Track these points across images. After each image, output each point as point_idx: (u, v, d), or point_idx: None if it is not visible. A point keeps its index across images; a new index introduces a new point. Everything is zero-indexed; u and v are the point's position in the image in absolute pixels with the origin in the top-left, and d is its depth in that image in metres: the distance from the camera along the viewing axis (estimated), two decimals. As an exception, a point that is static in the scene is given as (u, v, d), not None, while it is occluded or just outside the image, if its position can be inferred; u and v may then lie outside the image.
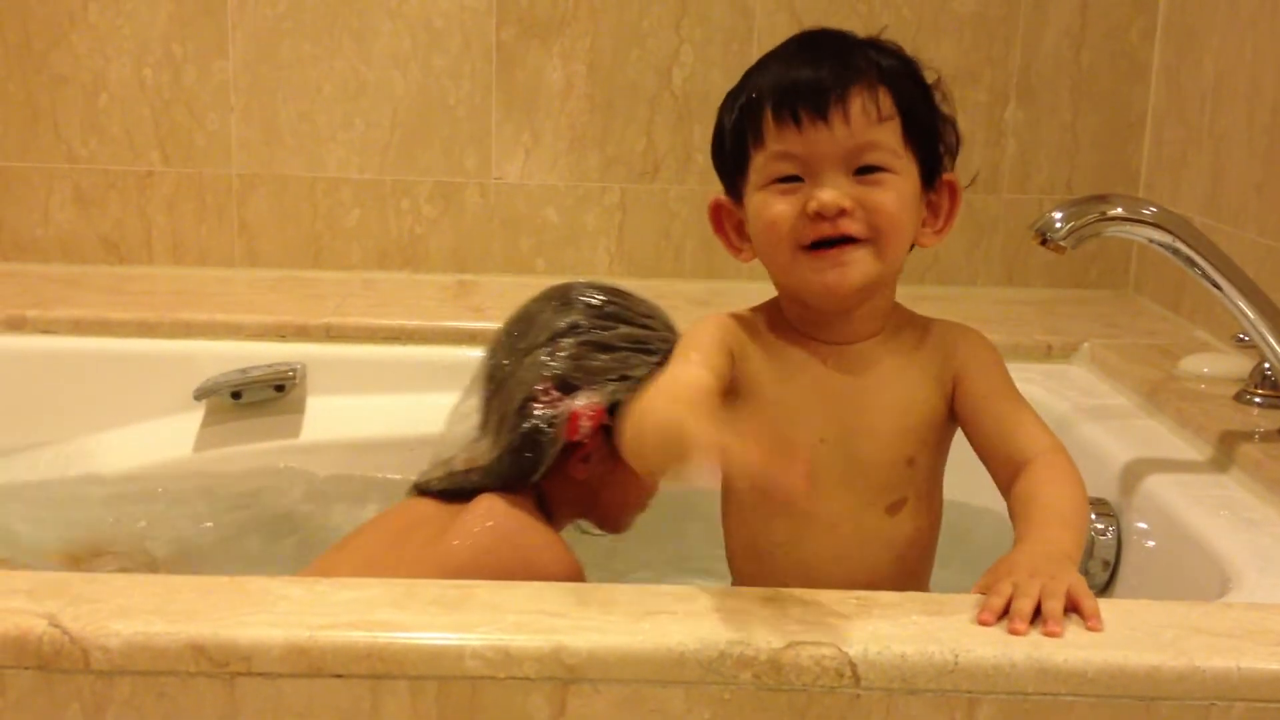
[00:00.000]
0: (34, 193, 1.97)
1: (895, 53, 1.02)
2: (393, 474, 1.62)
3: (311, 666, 0.80)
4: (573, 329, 1.20)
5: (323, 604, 0.84)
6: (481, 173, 1.98)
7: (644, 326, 1.24)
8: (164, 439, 1.63)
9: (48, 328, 1.69)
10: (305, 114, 1.96)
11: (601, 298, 1.24)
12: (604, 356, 1.20)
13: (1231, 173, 1.71)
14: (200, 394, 1.61)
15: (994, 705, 0.81)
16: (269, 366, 1.65)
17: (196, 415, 1.64)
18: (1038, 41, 1.95)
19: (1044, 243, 1.24)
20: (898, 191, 0.97)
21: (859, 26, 1.88)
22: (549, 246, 2.00)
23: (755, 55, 1.93)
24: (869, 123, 0.96)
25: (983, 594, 0.88)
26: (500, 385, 1.21)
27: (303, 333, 1.70)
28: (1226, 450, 1.29)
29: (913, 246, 1.03)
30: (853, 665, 0.80)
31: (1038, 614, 0.84)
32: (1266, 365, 1.38)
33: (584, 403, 1.18)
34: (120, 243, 1.98)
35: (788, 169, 0.97)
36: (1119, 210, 1.27)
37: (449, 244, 2.00)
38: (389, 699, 0.80)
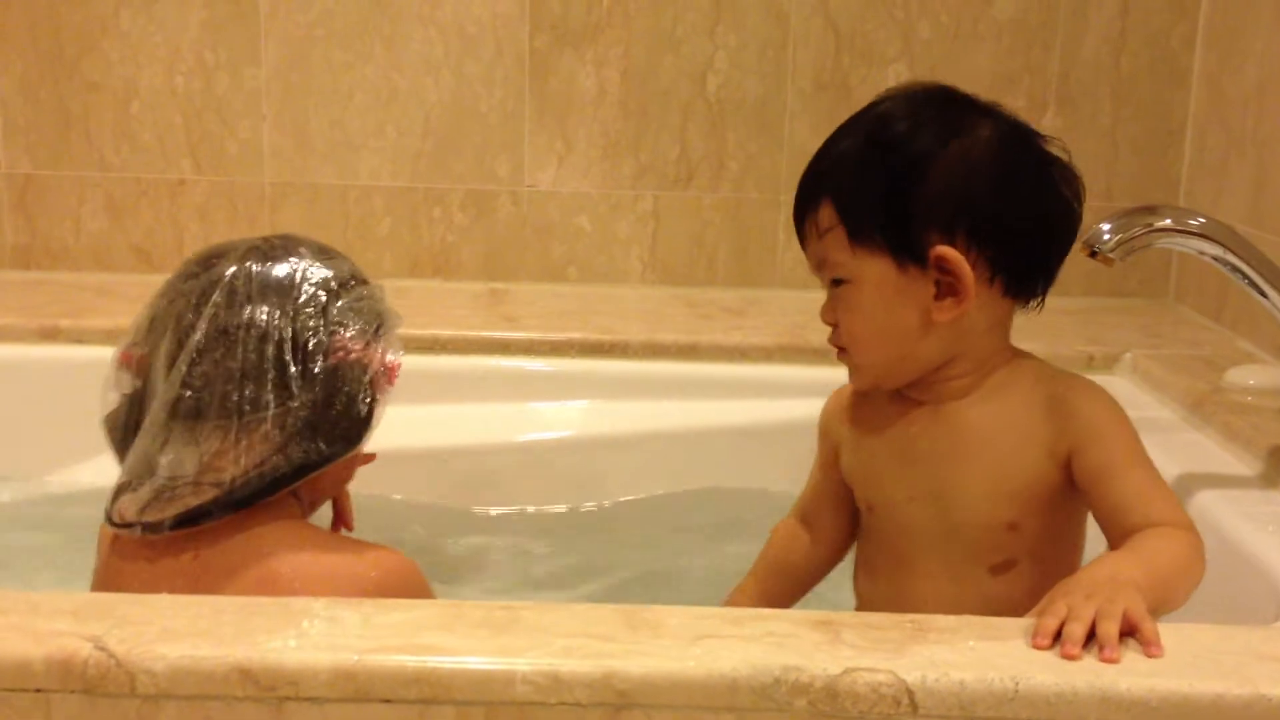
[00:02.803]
0: (66, 201, 1.97)
1: (874, 131, 1.00)
2: (423, 486, 1.62)
3: (359, 691, 0.78)
4: (351, 279, 1.06)
5: (369, 626, 0.83)
6: (514, 180, 1.97)
7: None
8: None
9: (80, 338, 1.68)
10: (337, 121, 1.95)
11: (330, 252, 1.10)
12: (378, 308, 1.08)
13: (1275, 180, 1.68)
14: (233, 404, 1.60)
15: (1055, 734, 0.79)
16: (302, 376, 1.63)
17: (229, 426, 1.63)
18: (1077, 47, 1.92)
19: (1093, 255, 1.22)
20: (851, 302, 1.01)
21: (895, 34, 1.90)
22: (581, 254, 1.99)
23: (790, 62, 1.95)
24: (816, 239, 1.02)
25: (1031, 613, 0.86)
26: (291, 346, 1.01)
27: (335, 342, 1.69)
28: (1277, 465, 1.27)
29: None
30: (910, 693, 0.79)
31: (1093, 638, 0.82)
32: (1316, 378, 1.36)
33: (394, 353, 1.06)
34: (152, 251, 1.98)
35: (815, 275, 1.05)
36: (1167, 221, 1.25)
37: (481, 252, 1.99)
38: (437, 725, 0.79)
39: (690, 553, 1.55)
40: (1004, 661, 0.80)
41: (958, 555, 1.02)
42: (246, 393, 0.99)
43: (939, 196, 0.97)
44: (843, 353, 1.04)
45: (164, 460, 0.99)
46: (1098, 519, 1.00)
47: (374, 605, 0.86)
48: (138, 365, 1.04)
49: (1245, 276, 1.27)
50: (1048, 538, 1.02)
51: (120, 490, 1.02)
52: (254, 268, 1.03)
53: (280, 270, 1.03)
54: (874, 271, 0.99)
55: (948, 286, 0.98)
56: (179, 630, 0.82)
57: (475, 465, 1.65)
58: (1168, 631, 0.84)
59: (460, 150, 1.96)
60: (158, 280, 2.03)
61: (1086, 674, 0.79)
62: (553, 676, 0.79)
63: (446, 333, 1.73)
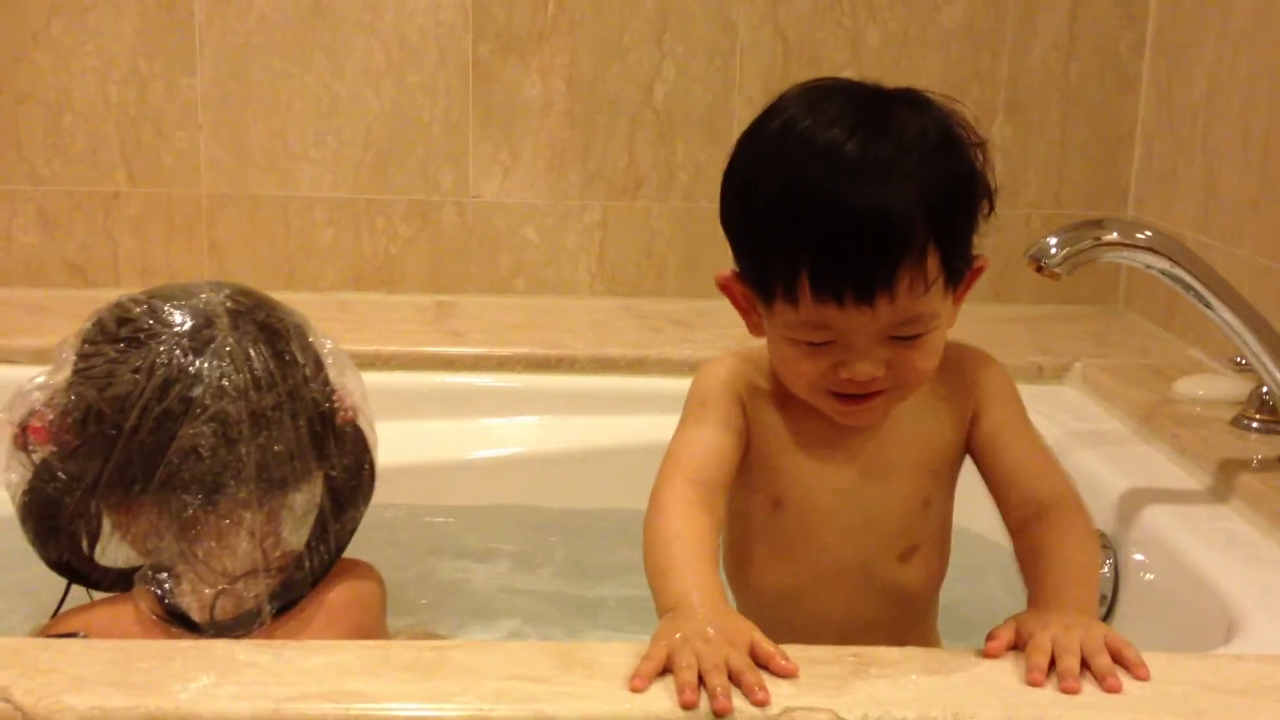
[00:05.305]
0: (-3, 215, 1.92)
1: (940, 152, 0.88)
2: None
3: (279, 742, 0.75)
4: (308, 322, 1.08)
5: (291, 671, 0.80)
6: (459, 191, 1.94)
7: None
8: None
9: (10, 357, 1.63)
10: (276, 131, 1.91)
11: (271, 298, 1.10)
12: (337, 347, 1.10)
13: (1225, 189, 1.67)
14: (169, 425, 1.56)
15: (999, 772, 0.77)
16: (240, 395, 1.59)
17: (165, 447, 1.59)
18: (1025, 55, 1.91)
19: (1039, 269, 1.20)
20: (932, 346, 0.92)
21: (844, 41, 1.88)
22: (528, 266, 1.96)
23: (738, 71, 1.93)
24: (915, 298, 0.87)
25: (995, 648, 0.84)
26: (319, 416, 1.03)
27: (275, 359, 1.65)
28: (1226, 480, 1.26)
29: None
30: (850, 732, 0.76)
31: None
32: (1265, 389, 1.35)
33: (353, 394, 1.07)
34: (86, 266, 1.93)
35: (821, 337, 0.90)
36: (1114, 235, 1.24)
37: (426, 264, 1.96)
38: (361, 774, 0.76)
39: (640, 569, 1.52)
40: (946, 697, 0.78)
41: (872, 545, 1.00)
42: (294, 471, 0.99)
43: (981, 213, 0.94)
44: (877, 395, 0.93)
45: (213, 553, 0.98)
46: (991, 480, 1.00)
47: (297, 648, 0.83)
48: (54, 436, 0.99)
49: (1192, 290, 1.26)
50: (944, 514, 1.02)
51: (160, 586, 0.98)
52: (251, 334, 1.00)
53: (277, 335, 1.02)
54: (948, 309, 0.92)
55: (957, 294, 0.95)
56: (90, 679, 0.78)
57: (421, 484, 1.61)
58: (1116, 661, 0.83)
59: (403, 160, 1.93)
60: (93, 296, 1.98)
61: (1030, 708, 0.78)
62: (481, 722, 0.76)
63: (390, 348, 1.69)
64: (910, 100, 0.92)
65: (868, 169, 0.86)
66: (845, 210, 0.86)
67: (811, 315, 0.89)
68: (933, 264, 0.88)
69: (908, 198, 0.86)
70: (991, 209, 0.95)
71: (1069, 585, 0.90)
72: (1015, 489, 0.97)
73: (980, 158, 0.93)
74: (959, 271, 0.92)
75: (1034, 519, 0.95)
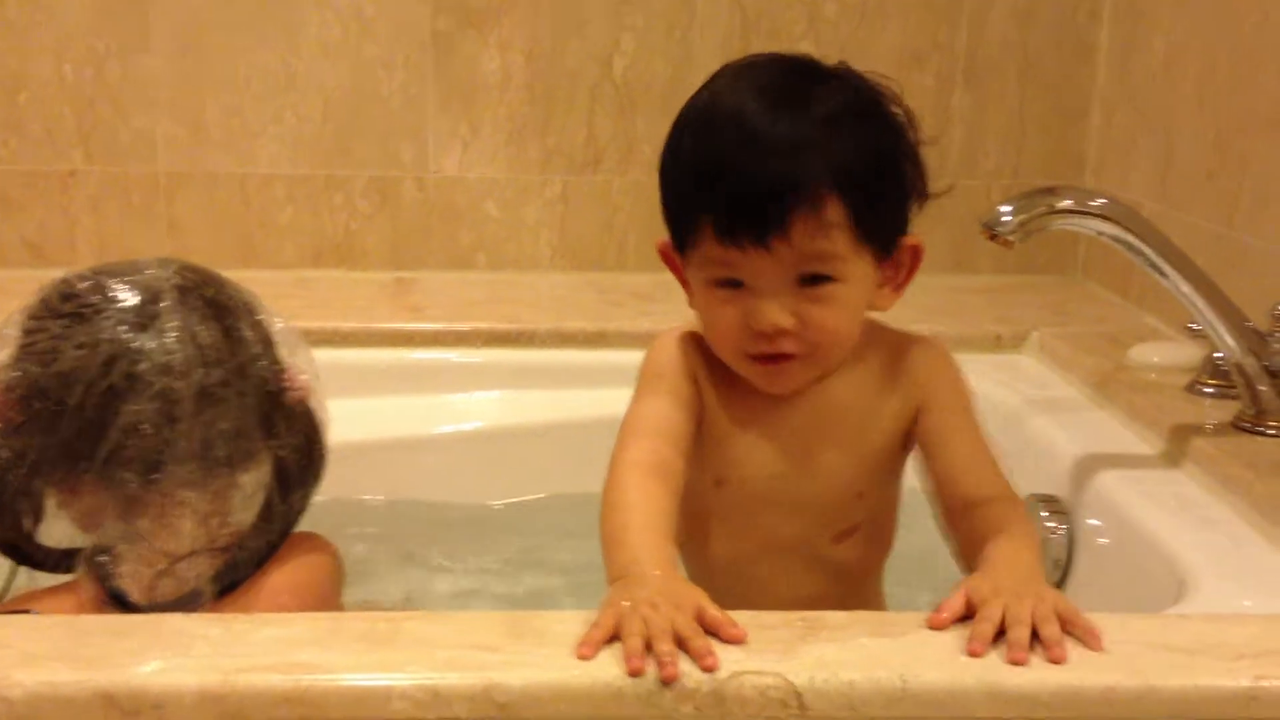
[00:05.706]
0: (-48, 195, 1.90)
1: (856, 115, 0.92)
2: (326, 484, 1.58)
3: (227, 713, 0.75)
4: (257, 297, 1.06)
5: (241, 644, 0.80)
6: (418, 166, 1.93)
7: None
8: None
9: (-34, 337, 1.62)
10: (233, 108, 1.89)
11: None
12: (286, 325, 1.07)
13: (1181, 158, 1.68)
14: (128, 404, 1.55)
15: (945, 733, 0.78)
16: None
17: (125, 426, 1.58)
18: (984, 24, 1.91)
19: (992, 237, 1.21)
20: (841, 303, 0.94)
21: (802, 13, 1.88)
22: (489, 241, 1.96)
23: (697, 43, 1.92)
24: (813, 238, 0.90)
25: (944, 615, 0.83)
26: (268, 394, 1.01)
27: (234, 336, 1.64)
28: (1179, 444, 1.27)
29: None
30: (798, 695, 0.77)
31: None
32: (1218, 355, 1.36)
33: (305, 373, 1.05)
34: (44, 245, 1.91)
35: (728, 275, 0.93)
36: (1068, 202, 1.24)
37: (386, 240, 1.95)
38: (312, 745, 0.76)
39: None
40: (894, 659, 0.79)
41: (807, 526, 1.01)
42: (241, 450, 0.98)
43: (910, 183, 0.96)
44: (789, 358, 0.95)
45: (156, 532, 0.96)
46: (933, 474, 1.00)
47: (247, 621, 0.83)
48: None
49: (1145, 256, 1.27)
50: (884, 500, 1.04)
51: (101, 568, 0.96)
52: (199, 311, 0.98)
53: (225, 312, 1.00)
54: (862, 269, 0.94)
55: (890, 274, 0.97)
56: (39, 654, 0.78)
57: (380, 460, 1.61)
58: (1062, 622, 0.84)
59: (362, 135, 1.92)
60: (50, 275, 1.95)
61: (975, 669, 0.78)
62: (431, 692, 0.76)
63: (350, 325, 1.69)
64: (833, 74, 0.94)
65: (770, 131, 0.90)
66: (744, 160, 0.90)
67: (716, 255, 0.92)
68: (833, 210, 0.90)
69: (808, 154, 0.89)
70: (924, 186, 0.96)
71: (1018, 551, 0.90)
72: (956, 488, 0.97)
73: (905, 132, 0.95)
74: (876, 233, 0.93)
75: (974, 509, 0.95)
